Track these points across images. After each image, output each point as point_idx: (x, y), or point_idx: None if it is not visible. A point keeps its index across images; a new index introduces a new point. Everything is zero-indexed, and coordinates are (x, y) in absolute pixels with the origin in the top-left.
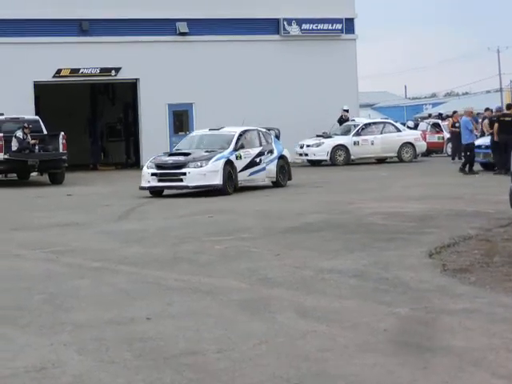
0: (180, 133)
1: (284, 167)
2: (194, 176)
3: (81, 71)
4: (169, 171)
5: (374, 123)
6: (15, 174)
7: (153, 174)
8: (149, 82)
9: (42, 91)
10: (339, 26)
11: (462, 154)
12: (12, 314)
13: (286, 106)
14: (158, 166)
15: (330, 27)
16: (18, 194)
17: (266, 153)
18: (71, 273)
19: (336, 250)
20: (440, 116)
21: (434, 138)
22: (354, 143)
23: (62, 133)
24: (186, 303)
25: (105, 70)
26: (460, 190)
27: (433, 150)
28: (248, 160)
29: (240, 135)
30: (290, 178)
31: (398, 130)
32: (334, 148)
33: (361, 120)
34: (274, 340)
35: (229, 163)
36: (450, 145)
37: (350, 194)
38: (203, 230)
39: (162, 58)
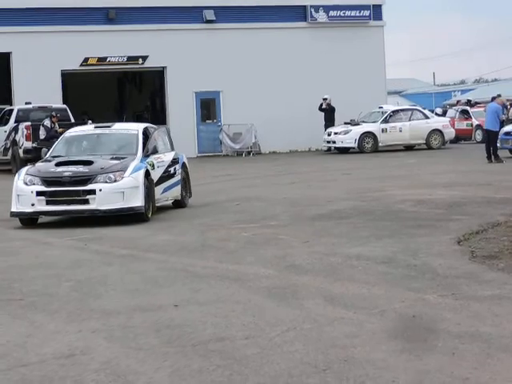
0: (207, 121)
1: (185, 180)
2: (107, 195)
3: (108, 60)
4: (67, 189)
5: (402, 110)
6: None
7: (39, 194)
8: (176, 70)
9: (69, 80)
10: (367, 13)
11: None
12: (41, 300)
13: (314, 93)
14: (48, 181)
15: (357, 14)
16: None
17: (179, 160)
18: (99, 260)
19: (365, 237)
20: (469, 103)
21: (463, 125)
22: (382, 130)
23: (90, 121)
24: (213, 290)
25: (132, 59)
26: (488, 176)
27: (461, 137)
28: (162, 170)
29: (145, 134)
30: (190, 195)
31: (427, 117)
32: (361, 135)
33: (389, 107)
34: (302, 326)
35: (146, 175)
36: (478, 132)
37: (378, 181)
38: (230, 217)
39: (188, 46)
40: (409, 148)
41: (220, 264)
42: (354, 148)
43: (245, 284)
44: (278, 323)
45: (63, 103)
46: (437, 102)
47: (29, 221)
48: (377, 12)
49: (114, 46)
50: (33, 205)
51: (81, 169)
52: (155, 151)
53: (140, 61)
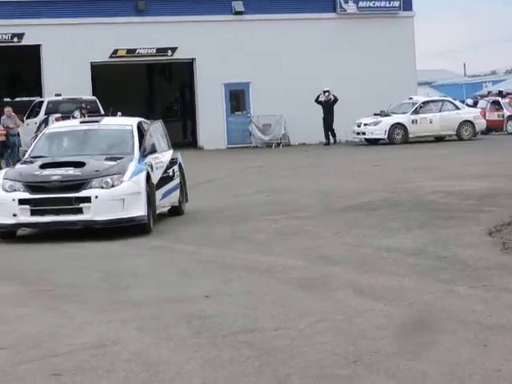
0: (237, 112)
1: (182, 183)
2: (104, 203)
3: (137, 51)
4: (56, 196)
5: (433, 101)
6: None
7: (22, 202)
8: (205, 61)
9: (99, 72)
10: (396, 4)
11: None
12: (71, 291)
13: (343, 85)
14: (32, 187)
15: (387, 4)
16: None
17: (177, 160)
18: (129, 251)
19: (395, 229)
20: (500, 94)
21: (494, 116)
22: (413, 121)
23: (119, 113)
24: (243, 281)
25: (161, 50)
26: None
27: (492, 127)
28: (160, 172)
29: (139, 130)
30: (187, 200)
31: (457, 108)
32: (391, 126)
33: (419, 98)
34: (332, 318)
35: (147, 179)
36: (510, 123)
37: (408, 172)
38: (260, 208)
39: (217, 38)
40: (439, 139)
41: (250, 255)
42: (383, 139)
43: (274, 275)
44: (308, 314)
45: (93, 95)
46: (467, 92)
47: (7, 234)
48: (407, 2)
49: (144, 37)
50: (15, 215)
51: (71, 172)
52: (153, 150)
53: (169, 52)
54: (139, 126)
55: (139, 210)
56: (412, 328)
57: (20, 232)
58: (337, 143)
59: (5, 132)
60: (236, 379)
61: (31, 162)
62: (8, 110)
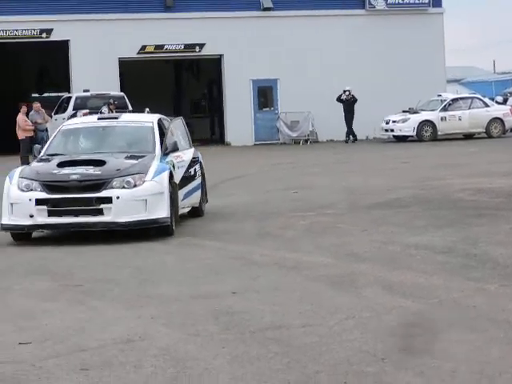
0: (264, 109)
1: (203, 183)
2: (125, 204)
3: (165, 47)
4: (75, 196)
5: (462, 98)
6: None
7: (40, 202)
8: (233, 57)
9: (127, 68)
10: (426, 0)
11: None
12: (100, 287)
13: (371, 81)
14: (50, 187)
15: (416, 1)
16: None
17: (199, 159)
18: (157, 248)
19: (423, 226)
20: None
21: None
22: (441, 119)
23: (147, 109)
24: (271, 278)
25: (189, 46)
26: None
27: None
28: (182, 172)
29: (159, 127)
30: (206, 201)
31: (487, 105)
32: (420, 123)
33: (448, 95)
34: (361, 315)
35: (170, 179)
36: None
37: (437, 169)
38: (288, 205)
39: (246, 34)
40: (468, 137)
41: (278, 252)
42: (412, 136)
43: (302, 272)
44: (336, 311)
45: (120, 91)
46: (497, 90)
47: (22, 235)
48: None
49: (171, 33)
50: (31, 216)
51: (91, 170)
52: (175, 148)
53: (197, 49)
54: (159, 123)
55: (162, 211)
56: (441, 326)
57: (35, 234)
58: (356, 142)
59: (33, 127)
60: (264, 375)
61: (48, 160)
62: (36, 105)
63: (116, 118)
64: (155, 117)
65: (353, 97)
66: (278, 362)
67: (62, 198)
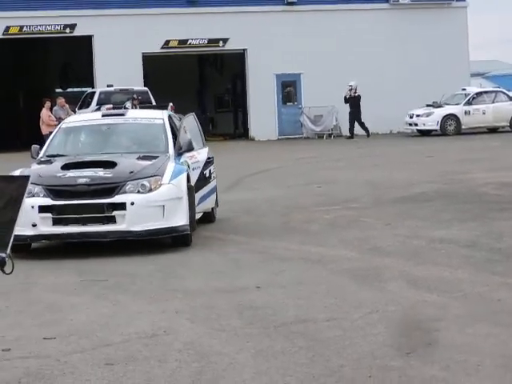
0: (288, 103)
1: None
2: (141, 211)
3: (189, 42)
4: (84, 202)
5: (486, 92)
6: None
7: (44, 209)
8: (257, 52)
9: (150, 62)
10: None
11: None
12: (124, 281)
13: (395, 75)
14: (55, 192)
15: None
16: None
17: (212, 159)
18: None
19: (448, 220)
20: None
21: None
22: (465, 113)
23: (171, 104)
24: (295, 272)
25: (213, 41)
26: None
27: None
28: (197, 174)
29: (172, 124)
30: (217, 204)
31: (511, 99)
32: (444, 117)
33: (472, 89)
34: (385, 309)
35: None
36: None
37: (461, 163)
38: (312, 199)
39: (269, 28)
40: (492, 131)
41: (302, 246)
42: (436, 131)
43: (327, 266)
44: (361, 305)
45: (144, 86)
46: None
47: (21, 247)
48: None
49: (195, 28)
50: (34, 225)
51: (101, 173)
52: (190, 148)
53: (221, 43)
54: (170, 120)
55: (181, 218)
56: (466, 320)
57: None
58: (369, 136)
59: (57, 123)
60: (288, 369)
61: (50, 162)
62: (60, 100)
63: (122, 114)
64: (165, 113)
65: (354, 93)
66: (303, 356)
67: (69, 205)
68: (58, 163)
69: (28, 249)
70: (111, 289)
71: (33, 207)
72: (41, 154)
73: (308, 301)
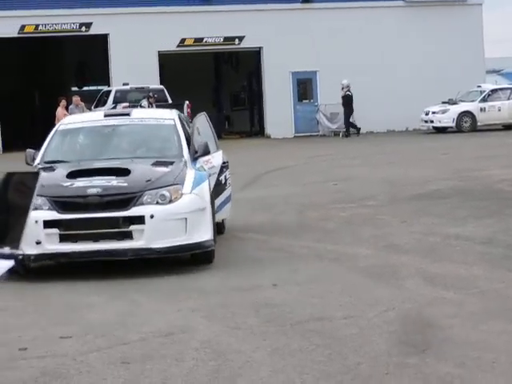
0: (304, 101)
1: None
2: (161, 225)
3: (204, 40)
4: (96, 215)
5: (501, 89)
6: None
7: (49, 224)
8: (272, 50)
9: (166, 61)
10: None
11: None
12: (139, 280)
13: (410, 73)
14: (61, 204)
15: None
16: None
17: (227, 164)
18: None
19: (464, 217)
20: None
21: None
22: (481, 109)
23: (187, 102)
24: (311, 270)
25: (228, 39)
26: None
27: None
28: (213, 180)
29: (183, 125)
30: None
31: None
32: (459, 114)
33: (487, 86)
34: (401, 307)
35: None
36: None
37: (477, 160)
38: (328, 197)
39: (285, 26)
40: (508, 127)
41: (318, 244)
42: (451, 127)
43: (343, 264)
44: (377, 303)
45: (160, 84)
46: None
47: (22, 267)
48: None
49: (211, 26)
50: (38, 243)
51: (114, 182)
52: (206, 151)
53: (236, 41)
54: (181, 121)
55: (205, 232)
56: (482, 317)
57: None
58: (359, 135)
59: None
60: (305, 367)
61: (51, 170)
62: (76, 99)
63: (127, 114)
64: (174, 112)
65: (346, 93)
66: (320, 354)
67: (79, 219)
68: (62, 171)
69: (28, 269)
70: (127, 288)
71: (36, 222)
72: (37, 161)
73: (324, 299)
